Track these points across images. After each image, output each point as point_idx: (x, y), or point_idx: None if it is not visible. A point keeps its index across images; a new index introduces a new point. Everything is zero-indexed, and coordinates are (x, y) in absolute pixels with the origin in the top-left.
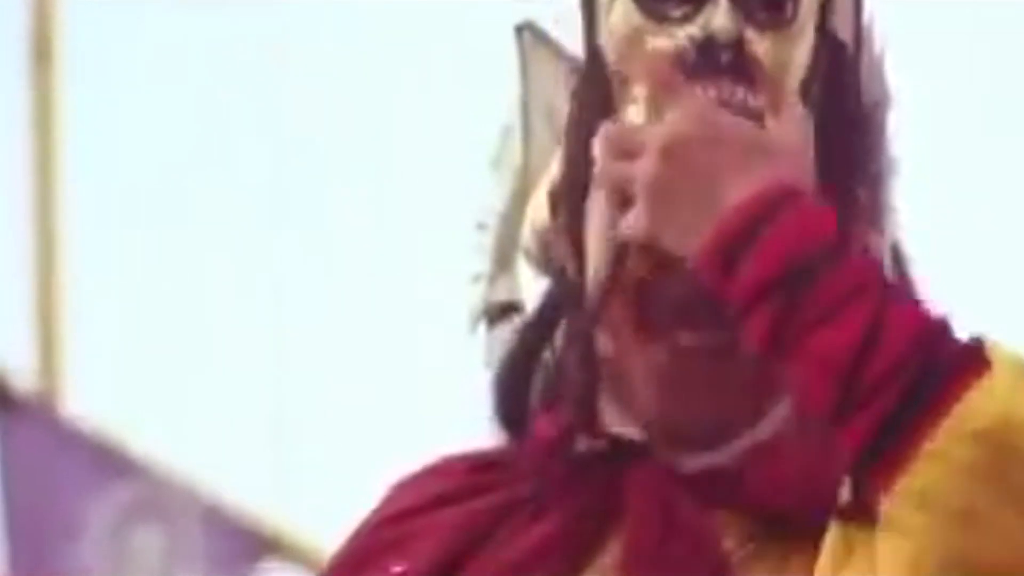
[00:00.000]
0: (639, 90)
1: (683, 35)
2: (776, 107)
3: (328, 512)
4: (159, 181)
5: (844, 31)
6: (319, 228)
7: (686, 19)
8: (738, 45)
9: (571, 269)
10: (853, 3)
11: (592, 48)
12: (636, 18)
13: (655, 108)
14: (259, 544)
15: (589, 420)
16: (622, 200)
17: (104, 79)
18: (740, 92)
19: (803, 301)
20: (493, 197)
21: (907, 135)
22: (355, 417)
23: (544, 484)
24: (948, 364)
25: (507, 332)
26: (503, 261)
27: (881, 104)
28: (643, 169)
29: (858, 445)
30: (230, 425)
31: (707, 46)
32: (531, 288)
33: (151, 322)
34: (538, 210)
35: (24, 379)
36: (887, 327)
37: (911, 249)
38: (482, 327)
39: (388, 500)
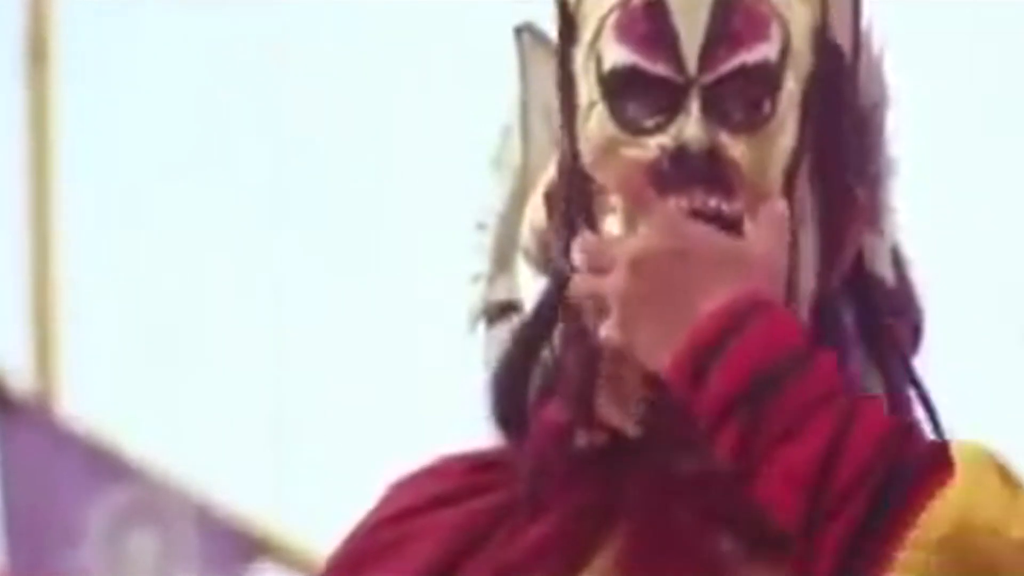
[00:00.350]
0: (616, 200)
1: (655, 144)
2: (755, 208)
3: (327, 512)
4: (155, 181)
5: (842, 33)
6: (319, 228)
7: (659, 129)
8: (711, 152)
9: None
10: (852, 5)
11: (573, 151)
12: (610, 128)
13: (631, 219)
14: (256, 546)
15: (588, 416)
16: (599, 310)
17: (100, 79)
18: (714, 200)
19: (768, 415)
20: (493, 197)
21: (906, 135)
22: (354, 417)
23: (543, 481)
24: (913, 470)
25: (506, 332)
26: (502, 261)
27: (880, 105)
28: (613, 284)
29: (831, 557)
30: (229, 425)
31: (679, 156)
32: (530, 288)
33: (148, 323)
34: (537, 210)
35: (21, 380)
36: (852, 434)
37: (910, 250)
38: (481, 327)
39: (386, 501)
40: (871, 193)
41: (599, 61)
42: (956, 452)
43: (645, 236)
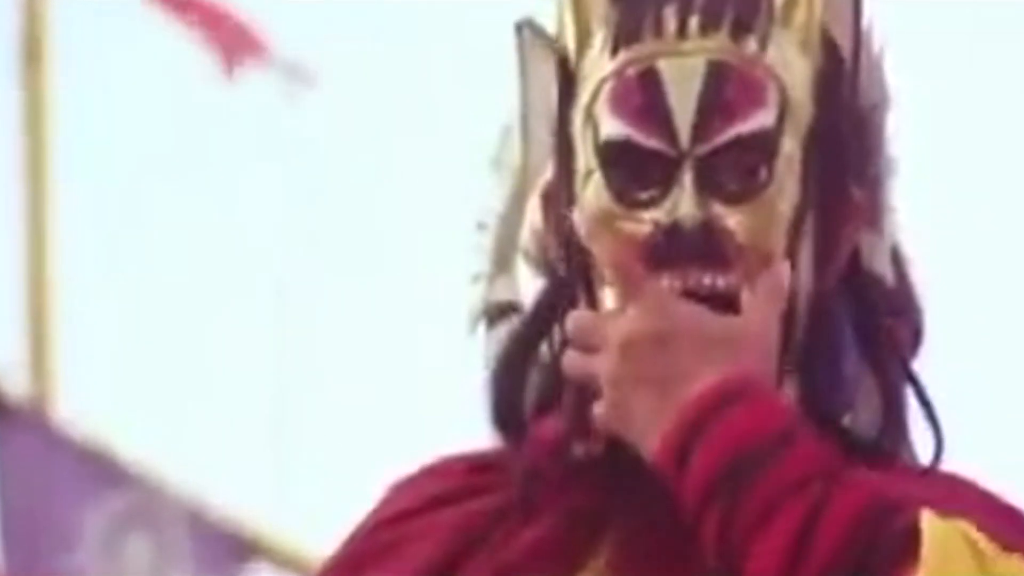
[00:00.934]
0: (611, 274)
1: (649, 219)
2: (755, 273)
3: (327, 513)
4: (151, 182)
5: (842, 34)
6: (320, 228)
7: (653, 203)
8: (706, 225)
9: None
10: (852, 5)
11: (570, 222)
12: (606, 199)
13: (624, 295)
14: (250, 548)
15: (585, 424)
16: (591, 389)
17: (94, 80)
18: (708, 277)
19: (746, 499)
20: (493, 198)
21: (906, 136)
22: (354, 418)
23: (536, 485)
24: (883, 556)
25: (506, 333)
26: (502, 262)
27: (879, 106)
28: (603, 366)
29: None
30: (228, 428)
31: (673, 233)
32: (530, 289)
33: (144, 326)
34: (536, 211)
35: (16, 384)
36: (825, 520)
37: (910, 250)
38: (482, 327)
39: (385, 502)
40: (871, 193)
41: (596, 130)
42: (927, 533)
43: (634, 318)
